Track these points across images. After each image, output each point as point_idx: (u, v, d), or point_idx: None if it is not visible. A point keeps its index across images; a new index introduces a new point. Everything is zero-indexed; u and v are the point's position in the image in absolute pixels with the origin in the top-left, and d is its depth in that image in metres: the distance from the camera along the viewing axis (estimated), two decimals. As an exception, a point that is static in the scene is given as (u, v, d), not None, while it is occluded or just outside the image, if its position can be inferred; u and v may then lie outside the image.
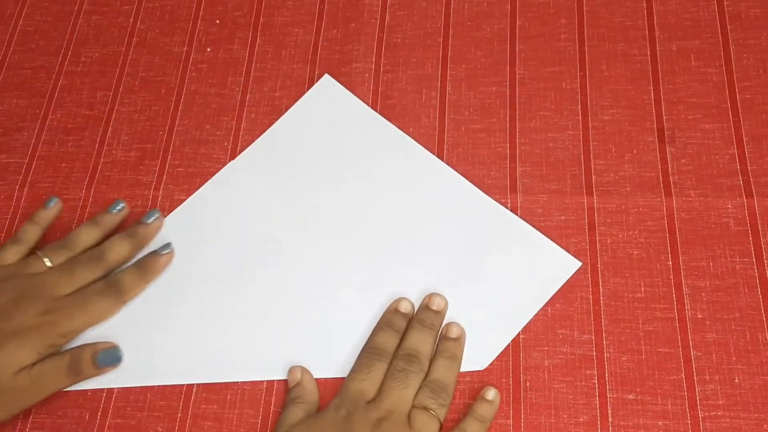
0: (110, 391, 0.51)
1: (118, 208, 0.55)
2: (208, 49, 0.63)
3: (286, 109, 0.60)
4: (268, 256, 0.54)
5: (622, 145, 0.56)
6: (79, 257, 0.52)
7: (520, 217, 0.54)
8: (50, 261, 0.52)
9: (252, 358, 0.51)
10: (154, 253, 0.53)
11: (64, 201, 0.57)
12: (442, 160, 0.57)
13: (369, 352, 0.49)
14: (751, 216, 0.53)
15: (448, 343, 0.50)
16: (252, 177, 0.57)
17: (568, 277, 0.52)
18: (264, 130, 0.59)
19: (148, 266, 0.53)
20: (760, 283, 0.51)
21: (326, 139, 0.58)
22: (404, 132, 0.58)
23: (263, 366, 0.51)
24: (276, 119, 0.59)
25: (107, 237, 0.54)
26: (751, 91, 0.57)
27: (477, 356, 0.50)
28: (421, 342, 0.49)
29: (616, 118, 0.57)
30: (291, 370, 0.50)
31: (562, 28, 0.61)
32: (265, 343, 0.52)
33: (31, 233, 0.54)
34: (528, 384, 0.49)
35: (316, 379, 0.50)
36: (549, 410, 0.48)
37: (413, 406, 0.47)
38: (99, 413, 0.50)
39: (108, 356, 0.50)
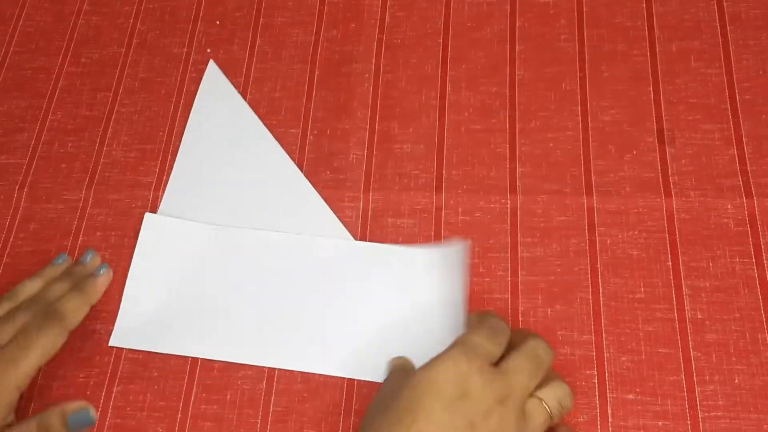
0: (110, 390, 0.51)
1: (61, 261, 0.54)
2: (208, 50, 0.63)
3: (285, 110, 0.60)
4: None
5: (621, 145, 0.56)
6: (20, 305, 0.50)
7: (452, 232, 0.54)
8: None
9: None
10: (93, 276, 0.53)
11: (64, 201, 0.57)
12: (442, 161, 0.57)
13: None
14: (751, 216, 0.53)
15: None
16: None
17: (465, 258, 0.52)
18: (263, 131, 0.59)
19: (88, 289, 0.52)
20: (759, 283, 0.51)
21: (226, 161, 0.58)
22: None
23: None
24: (275, 120, 0.59)
25: None
26: (751, 92, 0.57)
27: None
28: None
29: (616, 119, 0.57)
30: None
31: (562, 29, 0.61)
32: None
33: (29, 288, 0.52)
34: (528, 384, 0.49)
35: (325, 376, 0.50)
36: (549, 411, 0.48)
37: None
38: (98, 413, 0.50)
39: (79, 418, 0.45)
